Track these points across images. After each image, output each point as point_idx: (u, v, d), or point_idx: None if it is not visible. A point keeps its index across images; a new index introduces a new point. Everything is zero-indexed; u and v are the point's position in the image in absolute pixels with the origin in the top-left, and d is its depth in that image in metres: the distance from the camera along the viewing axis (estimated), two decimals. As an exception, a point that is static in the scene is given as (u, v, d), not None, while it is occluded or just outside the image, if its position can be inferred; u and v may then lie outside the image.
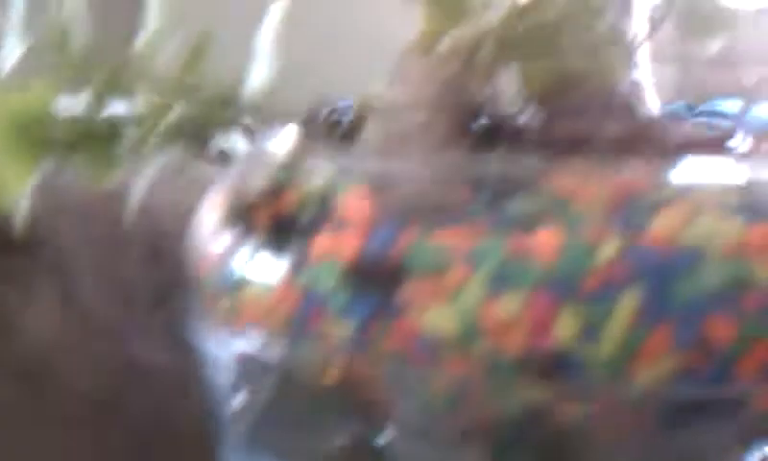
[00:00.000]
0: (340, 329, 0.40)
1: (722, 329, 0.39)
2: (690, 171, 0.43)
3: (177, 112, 0.43)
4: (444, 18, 0.45)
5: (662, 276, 0.38)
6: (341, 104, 0.47)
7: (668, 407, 0.40)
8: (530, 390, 0.39)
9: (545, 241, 0.39)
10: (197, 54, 0.44)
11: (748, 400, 0.40)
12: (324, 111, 0.46)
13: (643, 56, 0.51)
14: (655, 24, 0.76)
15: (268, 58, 0.43)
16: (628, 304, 0.38)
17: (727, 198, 0.41)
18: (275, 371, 0.44)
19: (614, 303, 0.38)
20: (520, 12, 0.43)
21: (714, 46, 0.55)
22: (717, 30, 0.55)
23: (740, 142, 0.51)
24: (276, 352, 0.42)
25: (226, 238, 0.44)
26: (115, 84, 0.43)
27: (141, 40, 0.45)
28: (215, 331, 0.45)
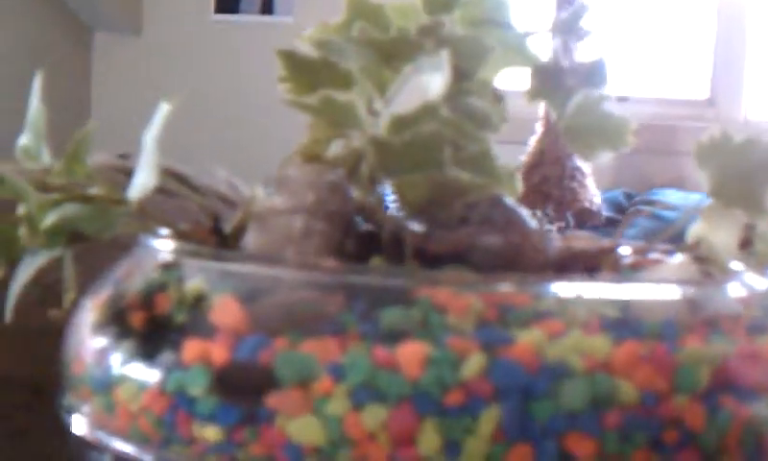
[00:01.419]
0: (208, 434, 0.41)
1: (583, 447, 0.39)
2: (566, 286, 0.44)
3: (58, 213, 0.43)
4: (329, 128, 0.46)
5: (524, 393, 0.39)
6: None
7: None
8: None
9: (412, 353, 0.39)
10: (78, 152, 0.44)
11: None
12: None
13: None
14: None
15: (151, 158, 0.43)
16: (489, 420, 0.39)
17: (598, 314, 0.42)
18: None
19: (476, 419, 0.39)
20: (401, 124, 0.44)
21: (604, 157, 0.56)
22: (608, 142, 0.56)
23: (622, 256, 0.52)
24: (148, 454, 0.42)
25: (102, 339, 0.44)
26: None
27: (23, 139, 0.45)
28: (91, 430, 0.45)
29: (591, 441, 0.39)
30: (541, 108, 2.27)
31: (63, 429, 0.46)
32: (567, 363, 0.40)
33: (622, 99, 2.57)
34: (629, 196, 2.49)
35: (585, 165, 2.32)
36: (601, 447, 0.39)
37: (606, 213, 2.36)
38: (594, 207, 2.33)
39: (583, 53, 0.62)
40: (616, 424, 0.39)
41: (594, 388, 0.40)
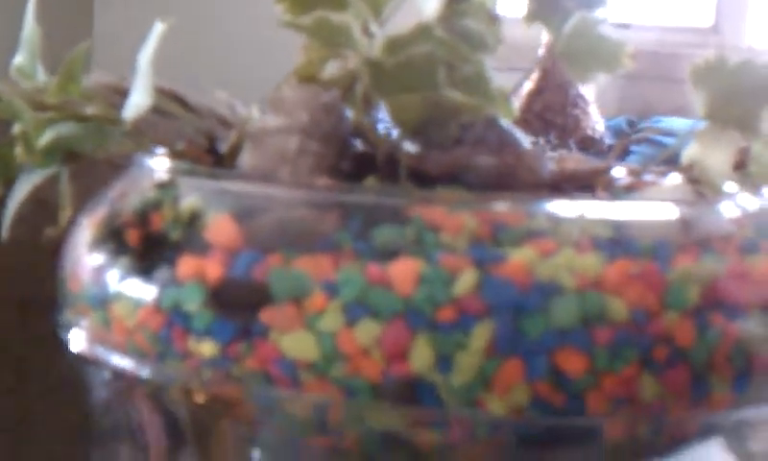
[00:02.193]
0: (204, 349, 0.41)
1: (573, 363, 0.40)
2: (559, 205, 0.44)
3: (54, 131, 0.44)
4: (324, 49, 0.46)
5: (516, 309, 0.39)
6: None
7: (522, 436, 0.41)
8: (386, 415, 0.40)
9: (404, 270, 0.40)
10: (72, 71, 0.44)
11: (599, 430, 0.41)
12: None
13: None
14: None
15: (146, 78, 0.43)
16: (481, 336, 0.39)
17: (590, 234, 0.42)
18: (145, 388, 0.44)
19: (468, 334, 0.39)
20: (395, 46, 0.44)
21: (600, 79, 0.56)
22: (604, 65, 0.56)
23: (616, 177, 0.52)
24: (145, 369, 0.43)
25: (98, 256, 0.45)
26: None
27: (18, 58, 0.45)
28: (89, 346, 0.46)
29: (582, 357, 0.40)
30: (545, 35, 2.25)
31: (54, 346, 0.46)
32: (559, 281, 0.40)
33: (624, 26, 2.56)
34: (632, 123, 2.49)
35: (588, 92, 2.32)
36: (591, 363, 0.40)
37: (609, 141, 2.36)
38: (597, 135, 2.33)
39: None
40: (607, 341, 0.40)
41: (585, 305, 0.40)
